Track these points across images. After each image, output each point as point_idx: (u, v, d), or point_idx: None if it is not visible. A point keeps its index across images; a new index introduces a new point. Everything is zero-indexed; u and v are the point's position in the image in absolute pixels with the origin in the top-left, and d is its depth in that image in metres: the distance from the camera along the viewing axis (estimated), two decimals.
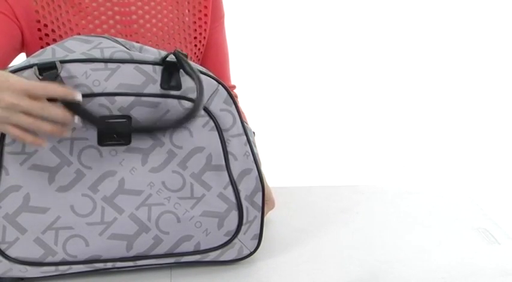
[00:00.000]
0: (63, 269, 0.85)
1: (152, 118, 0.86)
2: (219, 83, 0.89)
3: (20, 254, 0.83)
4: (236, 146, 0.90)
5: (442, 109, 3.03)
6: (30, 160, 0.83)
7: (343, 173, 2.59)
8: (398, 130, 2.90)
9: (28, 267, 0.84)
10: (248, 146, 0.91)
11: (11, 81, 0.74)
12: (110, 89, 0.83)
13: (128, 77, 0.84)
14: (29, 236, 0.83)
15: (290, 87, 3.01)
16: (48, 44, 1.01)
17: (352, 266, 0.95)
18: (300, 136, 2.82)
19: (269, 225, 1.06)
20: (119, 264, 0.87)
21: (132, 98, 0.84)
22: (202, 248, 0.89)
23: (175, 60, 0.86)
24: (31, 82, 0.75)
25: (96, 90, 0.83)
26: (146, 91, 0.85)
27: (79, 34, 1.01)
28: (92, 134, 0.84)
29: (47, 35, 1.01)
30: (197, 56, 1.13)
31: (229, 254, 0.92)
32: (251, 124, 1.16)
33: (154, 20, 1.06)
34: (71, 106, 0.76)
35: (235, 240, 0.91)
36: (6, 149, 0.82)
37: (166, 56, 0.85)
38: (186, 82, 0.86)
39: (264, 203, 0.92)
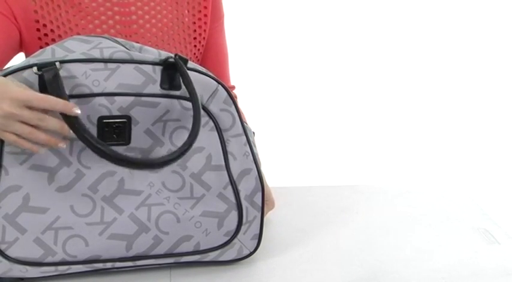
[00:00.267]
0: (62, 269, 0.85)
1: (152, 118, 0.86)
2: (219, 83, 0.89)
3: (20, 254, 0.83)
4: (236, 146, 0.90)
5: (442, 109, 3.03)
6: (30, 160, 0.83)
7: (343, 173, 2.59)
8: (398, 130, 2.90)
9: (28, 267, 0.84)
10: (248, 146, 0.91)
11: (12, 91, 0.74)
12: (110, 89, 0.83)
13: (127, 77, 0.84)
14: (29, 236, 0.83)
15: (290, 87, 3.01)
16: (47, 44, 1.01)
17: (352, 266, 0.95)
18: (299, 136, 2.82)
19: (269, 225, 1.05)
20: (118, 264, 0.87)
21: (131, 98, 0.84)
22: (202, 248, 0.89)
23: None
24: (31, 93, 0.76)
25: (96, 90, 0.83)
26: (146, 91, 0.85)
27: (78, 34, 1.01)
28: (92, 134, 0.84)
29: (46, 34, 1.01)
30: (197, 56, 1.13)
31: (229, 254, 0.92)
32: (251, 124, 1.16)
33: (154, 20, 1.06)
34: (69, 119, 0.77)
35: (235, 240, 0.91)
36: (6, 149, 0.82)
37: (167, 59, 0.85)
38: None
39: (264, 203, 0.92)
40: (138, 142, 0.86)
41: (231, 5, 1.45)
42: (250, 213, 0.91)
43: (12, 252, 0.83)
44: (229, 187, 0.89)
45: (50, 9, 1.00)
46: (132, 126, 0.85)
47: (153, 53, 0.90)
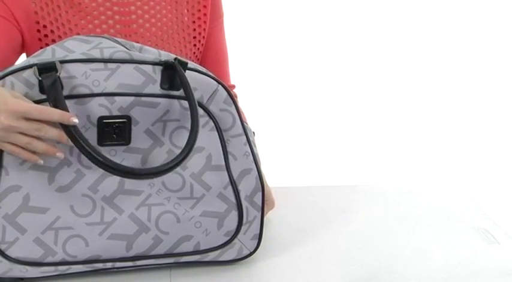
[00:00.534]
0: (62, 269, 0.85)
1: (152, 118, 0.86)
2: (219, 83, 0.89)
3: (20, 254, 0.83)
4: (236, 146, 0.90)
5: (442, 109, 3.03)
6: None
7: (343, 173, 2.59)
8: (398, 130, 2.90)
9: (28, 267, 0.84)
10: (248, 146, 0.91)
11: (9, 103, 0.75)
12: (110, 89, 0.83)
13: (127, 77, 0.84)
14: (29, 236, 0.83)
15: (290, 87, 3.01)
16: (47, 45, 1.01)
17: (352, 266, 0.95)
18: (299, 136, 2.82)
19: (269, 225, 1.05)
20: (118, 264, 0.87)
21: (131, 98, 0.84)
22: (202, 248, 0.89)
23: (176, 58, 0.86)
24: (28, 105, 0.76)
25: (96, 90, 0.83)
26: (146, 91, 0.85)
27: (78, 34, 1.01)
28: (92, 134, 0.84)
29: (46, 35, 1.01)
30: (196, 56, 1.13)
31: (229, 254, 0.92)
32: (251, 124, 1.16)
33: (153, 20, 1.06)
34: (66, 127, 0.77)
35: (235, 240, 0.91)
36: None
37: (167, 61, 0.85)
38: None
39: (264, 203, 0.92)
40: (138, 142, 0.86)
41: (230, 4, 1.45)
42: (251, 213, 0.91)
43: (12, 252, 0.83)
44: (230, 187, 0.89)
45: (49, 10, 1.00)
46: (132, 126, 0.85)
47: (153, 53, 0.90)
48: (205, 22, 1.12)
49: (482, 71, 3.14)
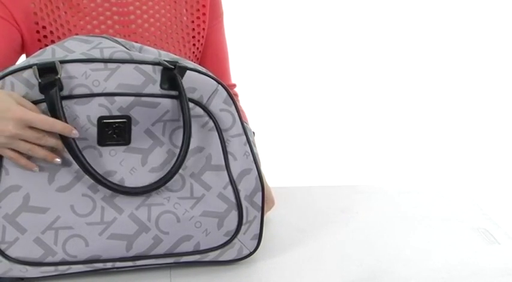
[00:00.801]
0: (62, 269, 0.85)
1: (152, 118, 0.86)
2: (219, 83, 0.89)
3: (20, 254, 0.83)
4: (236, 146, 0.90)
5: (442, 109, 3.03)
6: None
7: (343, 173, 2.59)
8: (398, 130, 2.90)
9: (28, 267, 0.84)
10: (248, 146, 0.91)
11: (15, 111, 0.78)
12: (110, 89, 0.83)
13: (127, 77, 0.84)
14: (29, 236, 0.83)
15: (290, 87, 3.01)
16: (47, 46, 1.01)
17: (352, 266, 0.95)
18: (299, 136, 2.82)
19: (269, 225, 1.05)
20: (118, 264, 0.87)
21: (131, 98, 0.84)
22: (202, 248, 0.89)
23: (176, 63, 0.86)
24: (34, 115, 0.79)
25: (96, 90, 0.83)
26: (146, 91, 0.85)
27: (77, 34, 1.01)
28: (92, 134, 0.84)
29: (45, 36, 1.01)
30: (196, 55, 1.13)
31: (229, 254, 0.92)
32: (251, 123, 1.16)
33: (152, 20, 1.06)
34: (65, 138, 0.80)
35: (235, 240, 0.91)
36: None
37: (166, 66, 0.85)
38: (186, 82, 0.86)
39: (264, 203, 0.92)
40: (138, 142, 0.86)
41: (231, 3, 1.45)
42: (250, 213, 0.91)
43: (12, 252, 0.83)
44: (229, 187, 0.89)
45: (49, 10, 1.00)
46: (132, 126, 0.85)
47: (153, 53, 0.90)
48: (204, 21, 1.12)
49: (482, 71, 3.14)
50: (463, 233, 1.06)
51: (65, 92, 0.82)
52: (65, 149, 0.81)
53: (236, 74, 1.26)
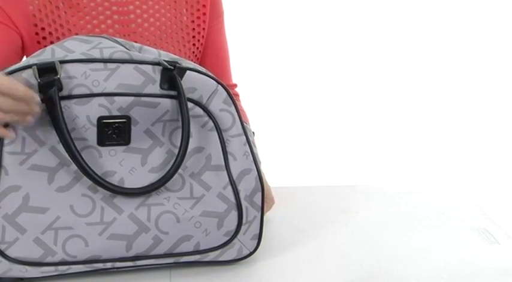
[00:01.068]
0: (62, 269, 0.85)
1: (151, 118, 0.86)
2: (219, 83, 0.89)
3: (20, 254, 0.83)
4: (236, 146, 0.90)
5: (441, 109, 3.03)
6: (29, 160, 0.83)
7: (343, 173, 2.59)
8: (398, 130, 2.90)
9: (28, 267, 0.84)
10: (247, 146, 0.91)
11: None
12: (110, 89, 0.83)
13: (127, 77, 0.84)
14: (29, 236, 0.83)
15: (290, 87, 3.01)
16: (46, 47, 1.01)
17: (352, 266, 0.95)
18: (299, 136, 2.82)
19: (269, 225, 1.05)
20: (118, 264, 0.87)
21: (131, 98, 0.84)
22: (201, 248, 0.89)
23: (175, 64, 0.86)
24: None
25: (96, 90, 0.83)
26: (146, 91, 0.85)
27: (77, 34, 1.01)
28: (92, 134, 0.84)
29: (44, 38, 1.01)
30: (196, 55, 1.13)
31: (228, 254, 0.92)
32: (251, 123, 1.16)
33: (152, 19, 1.06)
34: (63, 137, 0.80)
35: (235, 240, 0.91)
36: (6, 149, 0.82)
37: (166, 65, 0.85)
38: (186, 82, 0.86)
39: (264, 203, 0.92)
40: (138, 142, 0.86)
41: (232, 3, 1.45)
42: (250, 213, 0.91)
43: (12, 252, 0.83)
44: (229, 187, 0.89)
45: (48, 11, 1.00)
46: (132, 126, 0.85)
47: (153, 53, 0.90)
48: (204, 21, 1.12)
49: (482, 71, 3.14)
50: (463, 233, 1.06)
51: (64, 92, 0.82)
52: (37, 110, 0.79)
53: (237, 74, 1.26)
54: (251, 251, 0.94)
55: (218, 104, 0.89)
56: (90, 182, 0.84)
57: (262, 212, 0.92)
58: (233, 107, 0.90)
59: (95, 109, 0.83)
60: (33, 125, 0.82)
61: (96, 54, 0.85)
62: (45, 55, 0.85)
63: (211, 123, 0.89)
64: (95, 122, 0.83)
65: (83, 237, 0.84)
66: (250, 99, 1.49)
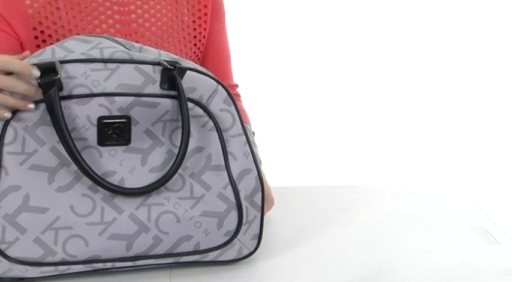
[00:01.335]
0: (62, 269, 0.85)
1: (151, 118, 0.86)
2: (219, 83, 0.89)
3: (20, 254, 0.83)
4: (236, 146, 0.90)
5: (442, 109, 3.03)
6: (29, 160, 0.83)
7: (343, 173, 2.59)
8: (398, 130, 2.90)
9: (28, 267, 0.84)
10: (248, 146, 0.91)
11: None
12: (110, 89, 0.83)
13: (127, 77, 0.84)
14: (29, 236, 0.83)
15: (291, 88, 3.01)
16: None
17: (352, 266, 0.95)
18: (300, 136, 2.82)
19: (269, 225, 1.05)
20: (118, 264, 0.87)
21: (131, 98, 0.84)
22: (201, 248, 0.89)
23: (176, 64, 0.86)
24: None
25: (96, 90, 0.83)
26: (146, 91, 0.85)
27: (78, 34, 1.01)
28: (92, 134, 0.84)
29: (44, 41, 1.01)
30: (197, 55, 1.13)
31: (229, 254, 0.92)
32: (252, 123, 1.16)
33: (153, 19, 1.06)
34: (63, 136, 0.80)
35: (235, 240, 0.91)
36: (6, 148, 0.82)
37: (166, 65, 0.85)
38: (186, 82, 0.86)
39: (264, 203, 0.92)
40: (138, 142, 0.86)
41: (233, 3, 1.44)
42: (250, 213, 0.91)
43: (12, 252, 0.83)
44: (229, 187, 0.89)
45: (48, 13, 1.00)
46: (132, 126, 0.85)
47: (153, 53, 0.90)
48: (205, 22, 1.12)
49: (482, 71, 3.14)
50: (463, 233, 1.06)
51: (64, 92, 0.82)
52: (37, 93, 0.80)
53: (238, 75, 1.26)
54: (251, 251, 0.94)
55: (218, 104, 0.89)
56: (90, 182, 0.84)
57: (263, 212, 0.92)
58: (233, 107, 0.90)
59: (95, 109, 0.83)
60: (34, 125, 0.82)
61: (96, 54, 0.85)
62: (45, 55, 0.85)
63: (211, 123, 0.89)
64: (95, 122, 0.83)
65: (83, 237, 0.84)
66: (251, 100, 1.49)
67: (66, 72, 0.82)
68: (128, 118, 0.84)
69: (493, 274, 0.94)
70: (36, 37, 1.00)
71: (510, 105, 3.06)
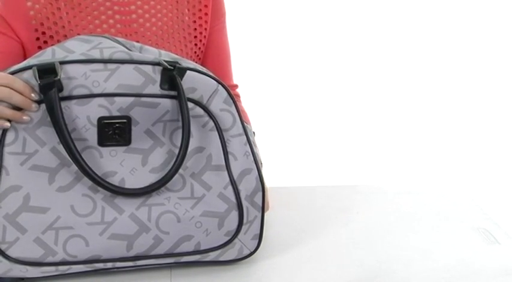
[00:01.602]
0: (63, 269, 0.86)
1: (152, 119, 0.86)
2: (219, 82, 0.89)
3: (20, 254, 0.83)
4: (236, 146, 0.90)
5: (442, 109, 3.03)
6: (30, 160, 0.83)
7: (343, 173, 2.59)
8: (398, 130, 2.90)
9: (28, 267, 0.84)
10: (248, 145, 0.91)
11: None
12: (110, 89, 0.83)
13: (127, 77, 0.84)
14: (29, 236, 0.83)
15: (291, 88, 3.01)
16: None
17: (352, 266, 0.95)
18: (300, 136, 2.82)
19: (269, 225, 1.05)
20: (118, 264, 0.87)
21: (131, 99, 0.84)
22: (202, 248, 0.89)
23: (176, 64, 0.86)
24: None
25: (96, 91, 0.83)
26: (146, 92, 0.85)
27: (79, 35, 1.01)
28: (92, 134, 0.84)
29: (45, 42, 1.00)
30: (197, 55, 1.13)
31: (229, 254, 0.92)
32: (252, 123, 1.16)
33: (153, 19, 1.06)
34: (64, 138, 0.80)
35: (236, 240, 0.91)
36: (7, 149, 0.82)
37: (166, 65, 0.85)
38: (186, 82, 0.86)
39: (265, 203, 0.92)
40: (139, 142, 0.86)
41: (233, 4, 1.44)
42: (251, 213, 0.91)
43: (12, 252, 0.83)
44: (230, 187, 0.89)
45: (49, 13, 1.00)
46: (132, 126, 0.85)
47: (154, 53, 0.90)
48: (206, 22, 1.12)
49: (482, 71, 3.14)
50: (463, 233, 1.06)
51: (64, 93, 0.82)
52: (33, 107, 0.81)
53: (238, 75, 1.26)
54: (252, 251, 0.94)
55: (219, 104, 0.89)
56: (90, 182, 0.84)
57: (263, 211, 0.92)
58: (233, 106, 0.90)
59: (95, 109, 0.83)
60: (34, 126, 0.82)
61: (96, 54, 0.85)
62: (45, 56, 0.85)
63: (211, 123, 0.89)
64: (95, 122, 0.83)
65: (84, 237, 0.84)
66: (251, 100, 1.49)
67: (66, 73, 0.82)
68: (128, 118, 0.85)
69: (493, 274, 0.94)
70: (37, 39, 1.00)
71: (510, 105, 3.06)
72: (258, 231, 0.93)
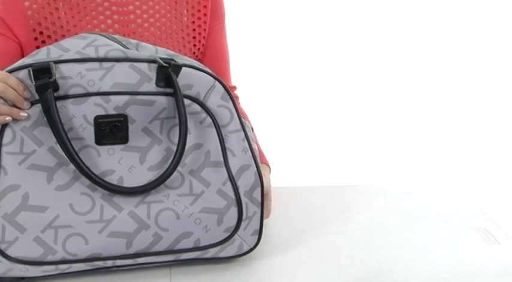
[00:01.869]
0: (63, 267, 0.85)
1: (148, 116, 0.86)
2: (216, 79, 0.89)
3: (20, 254, 0.83)
4: (234, 141, 0.90)
5: (441, 109, 3.03)
6: (28, 160, 0.83)
7: (343, 173, 2.59)
8: (398, 130, 2.90)
9: (28, 267, 0.84)
10: (246, 141, 0.91)
11: None
12: (105, 88, 0.83)
13: (122, 75, 0.84)
14: (29, 235, 0.83)
15: (290, 88, 3.01)
16: None
17: (352, 266, 0.95)
18: (300, 136, 2.82)
19: (269, 225, 1.05)
20: (118, 262, 0.87)
21: (127, 97, 0.84)
22: (202, 244, 0.89)
23: (171, 61, 0.86)
24: None
25: (91, 90, 0.83)
26: (141, 89, 0.85)
27: (76, 34, 1.01)
28: (89, 133, 0.84)
29: (43, 41, 1.00)
30: (196, 56, 1.13)
31: (229, 250, 0.92)
32: (252, 124, 1.15)
33: (152, 20, 1.06)
34: (60, 137, 0.80)
35: (235, 236, 0.91)
36: (4, 149, 0.82)
37: (161, 63, 0.85)
38: (182, 79, 0.86)
39: (264, 199, 0.92)
40: (136, 140, 0.86)
41: (232, 4, 1.44)
42: (250, 209, 0.90)
43: (12, 252, 0.83)
44: (228, 183, 0.89)
45: (47, 13, 0.99)
46: (129, 124, 0.85)
47: (150, 50, 0.90)
48: (205, 22, 1.12)
49: (482, 71, 3.14)
50: (463, 233, 1.06)
51: (60, 92, 0.82)
52: (25, 105, 0.82)
53: (237, 76, 1.26)
54: (251, 246, 0.93)
55: (216, 100, 0.88)
56: (89, 181, 0.84)
57: (262, 207, 0.92)
58: (231, 102, 0.89)
59: (91, 108, 0.83)
60: (31, 126, 0.83)
61: (91, 52, 0.84)
62: (40, 55, 0.85)
63: (209, 120, 0.88)
64: (91, 121, 0.83)
65: (83, 236, 0.84)
66: (251, 100, 1.49)
67: (61, 73, 0.82)
68: (125, 117, 0.84)
69: (493, 274, 0.94)
70: (35, 38, 1.00)
71: (510, 105, 3.06)
72: (258, 227, 0.92)
